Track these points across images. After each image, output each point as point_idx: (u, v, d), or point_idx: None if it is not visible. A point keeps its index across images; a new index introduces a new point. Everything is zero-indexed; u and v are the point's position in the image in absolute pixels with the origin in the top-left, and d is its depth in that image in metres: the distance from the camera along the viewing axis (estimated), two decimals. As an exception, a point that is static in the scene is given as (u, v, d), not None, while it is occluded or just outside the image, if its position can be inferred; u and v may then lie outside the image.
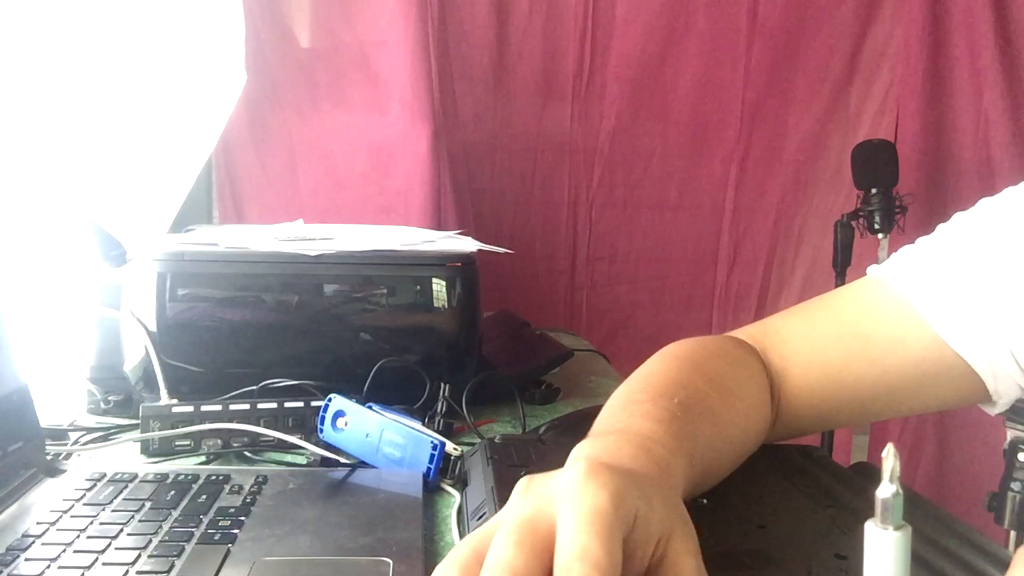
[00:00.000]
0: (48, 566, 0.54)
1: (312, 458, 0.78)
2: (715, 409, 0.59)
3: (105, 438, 0.85)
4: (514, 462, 0.67)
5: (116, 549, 0.56)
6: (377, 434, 0.76)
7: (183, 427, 0.80)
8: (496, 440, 0.72)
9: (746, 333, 0.72)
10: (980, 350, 0.61)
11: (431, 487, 0.72)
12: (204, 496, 0.65)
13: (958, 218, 0.66)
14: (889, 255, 0.69)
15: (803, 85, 1.87)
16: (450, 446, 0.75)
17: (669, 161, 1.87)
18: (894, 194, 1.70)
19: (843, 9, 1.85)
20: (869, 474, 0.67)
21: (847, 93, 1.90)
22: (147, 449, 0.80)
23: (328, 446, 0.79)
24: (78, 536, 0.58)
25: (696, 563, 0.39)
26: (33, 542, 0.57)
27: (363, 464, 0.76)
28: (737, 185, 1.89)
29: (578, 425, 0.85)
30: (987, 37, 1.73)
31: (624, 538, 0.37)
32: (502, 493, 0.59)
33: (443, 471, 0.73)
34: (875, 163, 1.72)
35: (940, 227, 0.67)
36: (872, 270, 0.69)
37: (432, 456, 0.73)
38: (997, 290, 0.60)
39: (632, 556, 0.38)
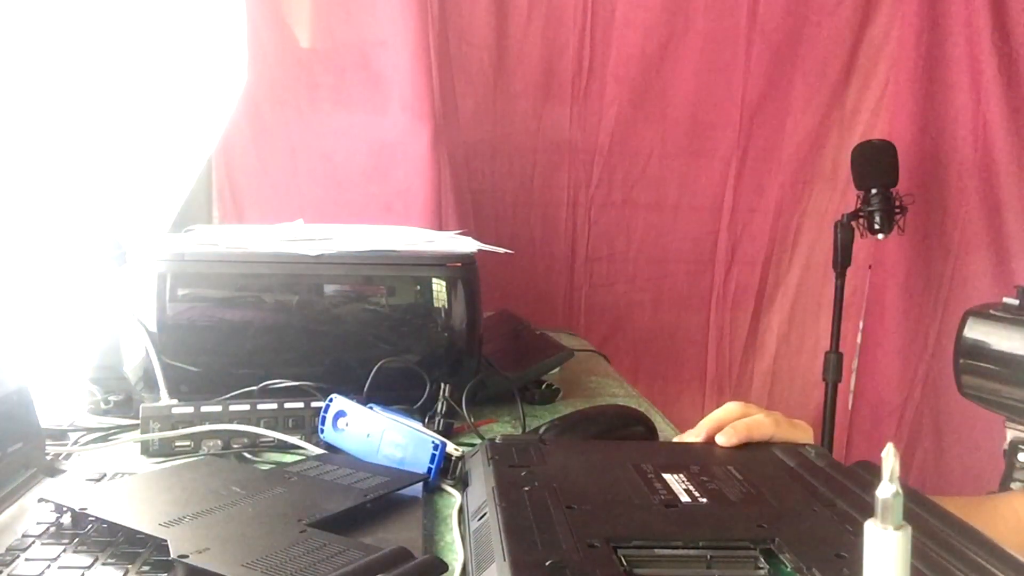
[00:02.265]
0: (48, 566, 0.54)
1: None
2: None
3: (105, 438, 0.85)
4: (514, 462, 0.67)
5: (116, 550, 0.56)
6: (378, 434, 0.76)
7: (183, 428, 0.80)
8: (496, 440, 0.72)
9: None
10: None
11: (431, 487, 0.72)
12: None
13: None
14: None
15: (802, 85, 1.87)
16: (451, 446, 0.75)
17: (668, 161, 1.87)
18: (894, 194, 1.70)
19: (841, 9, 1.84)
20: (869, 473, 0.67)
21: (844, 93, 1.90)
22: (147, 450, 0.80)
23: (328, 446, 0.80)
24: (78, 536, 0.58)
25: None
26: (33, 542, 0.57)
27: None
28: (735, 185, 1.89)
29: (578, 425, 0.85)
30: (984, 35, 1.73)
31: None
32: (502, 493, 0.59)
33: (444, 471, 0.73)
34: (875, 163, 1.72)
35: None
36: None
37: (433, 456, 0.73)
38: None
39: None
